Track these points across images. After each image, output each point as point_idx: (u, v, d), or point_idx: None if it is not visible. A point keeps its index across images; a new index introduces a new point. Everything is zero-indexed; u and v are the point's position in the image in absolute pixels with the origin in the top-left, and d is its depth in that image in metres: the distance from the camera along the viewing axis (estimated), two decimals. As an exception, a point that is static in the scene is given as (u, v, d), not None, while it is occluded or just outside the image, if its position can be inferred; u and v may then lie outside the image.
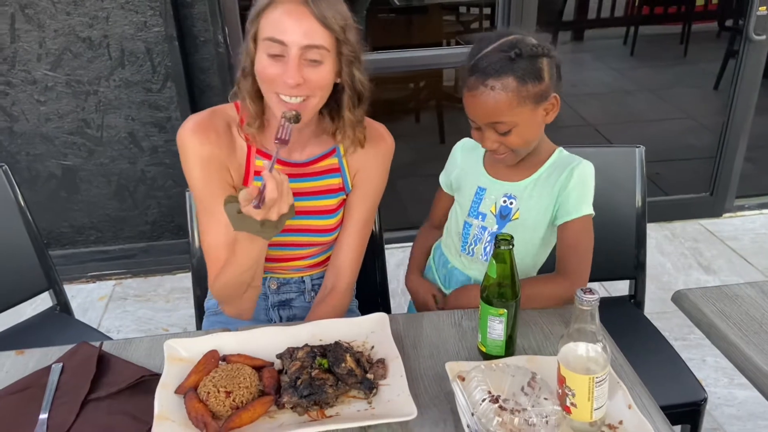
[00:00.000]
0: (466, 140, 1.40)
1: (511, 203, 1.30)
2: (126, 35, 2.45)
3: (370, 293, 1.59)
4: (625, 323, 1.66)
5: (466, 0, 4.48)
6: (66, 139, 2.58)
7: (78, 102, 2.52)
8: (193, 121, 1.24)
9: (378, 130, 1.33)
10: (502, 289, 1.04)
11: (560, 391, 0.91)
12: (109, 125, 2.58)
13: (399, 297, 1.55)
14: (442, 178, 1.45)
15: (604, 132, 4.07)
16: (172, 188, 2.72)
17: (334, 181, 1.32)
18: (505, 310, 1.04)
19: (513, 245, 1.02)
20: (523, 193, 1.29)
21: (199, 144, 1.22)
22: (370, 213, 1.37)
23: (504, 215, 1.31)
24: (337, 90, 1.23)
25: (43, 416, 0.98)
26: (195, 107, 2.58)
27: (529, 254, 1.32)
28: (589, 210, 1.25)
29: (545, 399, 0.89)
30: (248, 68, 1.18)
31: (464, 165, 1.38)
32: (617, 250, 1.70)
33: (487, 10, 4.38)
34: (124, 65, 2.49)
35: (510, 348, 1.07)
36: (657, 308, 2.35)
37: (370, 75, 1.24)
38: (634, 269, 1.72)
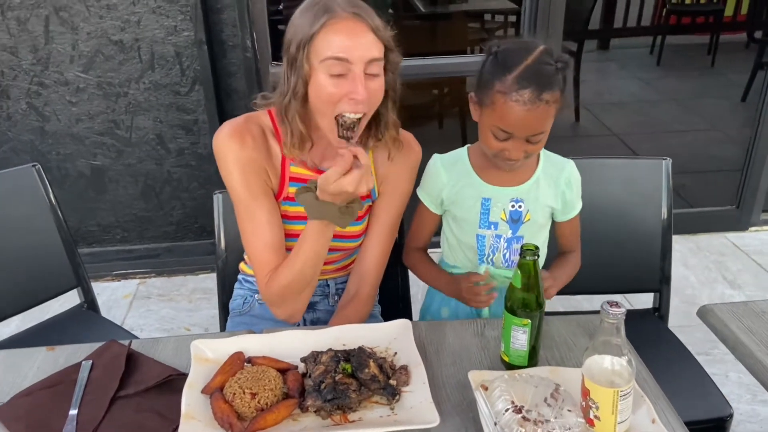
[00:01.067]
0: (441, 156, 1.36)
1: (520, 206, 1.31)
2: (156, 39, 2.49)
3: (392, 299, 1.60)
4: (649, 336, 1.65)
5: (491, 8, 4.49)
6: (96, 139, 2.63)
7: (108, 103, 2.57)
8: (228, 126, 1.25)
9: (406, 138, 1.34)
10: (527, 299, 1.04)
11: (584, 403, 0.91)
12: (138, 127, 2.63)
13: (419, 303, 1.55)
14: (427, 199, 1.38)
15: (629, 142, 4.04)
16: (196, 190, 2.76)
17: None
18: (529, 321, 1.04)
19: (538, 255, 1.02)
20: (528, 194, 1.31)
21: (237, 148, 1.23)
22: (396, 220, 1.37)
23: (515, 219, 1.32)
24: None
25: (73, 412, 1.00)
26: (221, 110, 2.62)
27: (542, 251, 1.34)
28: (581, 203, 1.38)
29: (568, 411, 0.89)
30: (301, 91, 1.17)
31: (454, 181, 1.33)
32: (642, 262, 1.69)
33: (512, 18, 4.38)
34: (154, 68, 2.53)
35: (533, 359, 1.07)
36: (679, 322, 2.31)
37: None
38: (659, 282, 1.71)
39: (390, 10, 3.96)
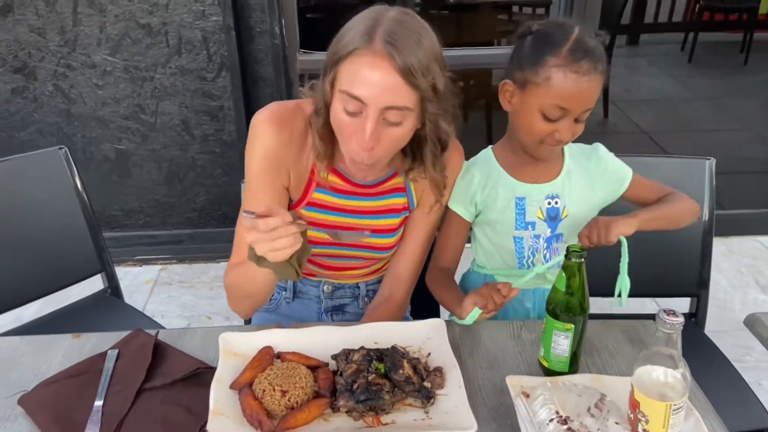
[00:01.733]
0: (471, 161, 1.29)
1: (556, 202, 1.26)
2: (184, 23, 2.46)
3: (421, 297, 1.56)
4: (686, 343, 1.58)
5: (520, 0, 4.40)
6: (121, 123, 2.61)
7: (134, 87, 2.55)
8: (273, 111, 1.16)
9: (451, 147, 1.20)
10: (571, 303, 0.99)
11: (632, 415, 0.87)
12: (163, 112, 2.60)
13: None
14: (462, 207, 1.28)
15: (659, 140, 3.95)
16: (220, 177, 2.74)
17: (399, 201, 1.26)
18: (573, 326, 0.99)
19: (585, 257, 0.97)
20: (563, 188, 1.26)
21: (269, 137, 1.15)
22: (433, 228, 1.30)
23: (553, 217, 1.27)
24: (417, 132, 1.12)
25: (99, 403, 0.98)
26: (247, 97, 2.59)
27: None
28: (629, 169, 1.32)
29: (616, 423, 0.85)
30: (322, 110, 1.10)
31: (487, 184, 1.27)
32: (680, 265, 1.63)
33: (540, 10, 4.30)
34: (181, 53, 2.51)
35: (574, 365, 1.03)
36: (712, 327, 2.24)
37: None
38: (697, 286, 1.65)
39: (417, 0, 3.91)
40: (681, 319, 0.81)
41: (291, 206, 1.23)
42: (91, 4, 2.41)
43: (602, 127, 4.04)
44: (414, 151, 1.17)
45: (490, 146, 1.32)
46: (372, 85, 1.00)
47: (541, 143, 1.17)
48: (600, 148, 1.33)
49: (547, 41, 1.13)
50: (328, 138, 1.13)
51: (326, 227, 1.21)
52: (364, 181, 1.22)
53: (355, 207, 1.24)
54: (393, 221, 1.26)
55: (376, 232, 1.25)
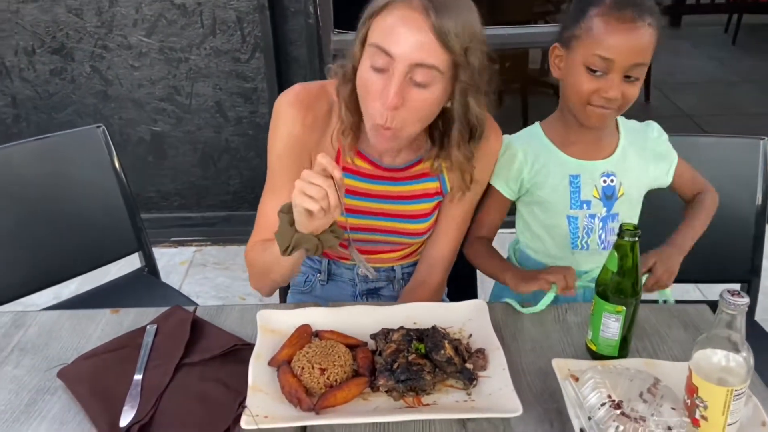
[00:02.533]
0: (512, 137, 1.25)
1: (612, 180, 1.21)
2: (219, 3, 2.45)
3: (458, 279, 1.52)
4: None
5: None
6: (157, 105, 2.62)
7: (170, 69, 2.56)
8: (296, 93, 1.14)
9: (486, 125, 1.14)
10: (623, 284, 0.94)
11: (689, 401, 0.82)
12: (198, 93, 2.60)
13: (488, 284, 1.46)
14: (504, 185, 1.25)
15: (702, 124, 3.82)
16: (254, 159, 2.74)
17: (431, 185, 1.22)
18: (624, 308, 0.95)
19: (639, 236, 0.93)
20: (619, 166, 1.21)
21: (292, 120, 1.13)
22: (469, 212, 1.26)
23: (609, 195, 1.22)
24: (447, 112, 1.08)
25: (138, 377, 0.97)
26: (281, 79, 2.57)
27: None
28: (675, 153, 1.29)
29: (672, 409, 0.80)
30: (350, 74, 1.06)
31: (536, 161, 1.22)
32: (731, 250, 1.57)
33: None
34: (216, 34, 2.50)
35: (624, 349, 0.98)
36: (760, 315, 2.18)
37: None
38: (748, 273, 1.58)
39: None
40: (746, 300, 0.76)
41: None
42: (128, -15, 2.42)
43: (643, 111, 3.93)
44: (442, 136, 1.12)
45: (537, 122, 1.27)
46: (403, 39, 0.96)
47: (589, 105, 1.11)
48: (654, 126, 1.28)
49: None
50: (354, 108, 1.09)
51: (356, 212, 1.19)
52: (391, 164, 1.19)
53: (385, 192, 1.20)
54: (425, 206, 1.22)
55: (408, 217, 1.22)
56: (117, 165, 1.67)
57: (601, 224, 1.22)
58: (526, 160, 1.22)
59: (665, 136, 1.28)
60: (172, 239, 2.84)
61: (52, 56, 2.53)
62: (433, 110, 1.05)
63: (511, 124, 1.30)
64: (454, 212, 1.25)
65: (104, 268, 1.69)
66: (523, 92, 3.78)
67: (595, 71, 1.08)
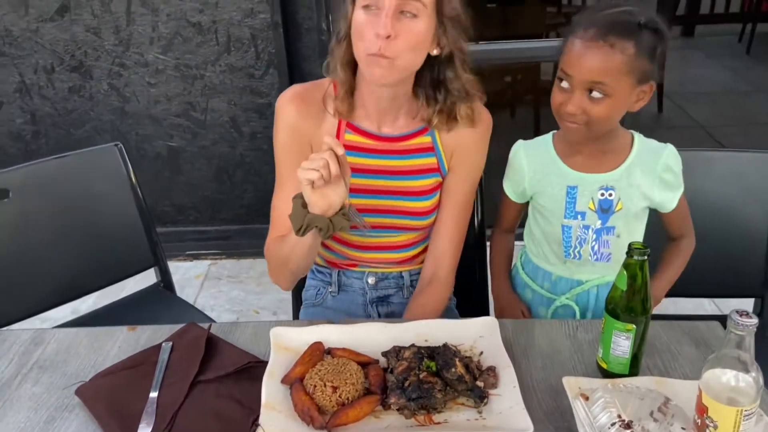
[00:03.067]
0: (523, 143, 1.32)
1: (611, 194, 1.23)
2: (233, 21, 2.49)
3: (469, 289, 1.53)
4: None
5: (571, -9, 4.31)
6: (173, 120, 2.66)
7: (185, 85, 2.60)
8: (293, 90, 1.25)
9: (473, 108, 1.25)
10: (632, 302, 0.95)
11: (699, 421, 0.82)
12: (213, 109, 2.64)
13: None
14: (509, 188, 1.35)
15: (716, 135, 3.80)
16: (268, 174, 2.75)
17: (429, 161, 1.27)
18: (634, 326, 0.95)
19: (648, 255, 0.93)
20: (620, 182, 1.23)
21: (288, 113, 1.23)
22: (469, 196, 1.31)
23: (605, 209, 1.23)
24: (437, 63, 1.18)
25: (154, 395, 0.99)
26: (295, 94, 2.60)
27: None
28: (682, 187, 1.29)
29: (682, 429, 0.81)
30: (343, 33, 1.16)
31: (536, 168, 1.28)
32: (743, 265, 1.56)
33: (591, 2, 4.18)
34: (230, 51, 2.54)
35: (635, 367, 0.99)
36: (775, 330, 2.15)
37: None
38: (762, 286, 1.57)
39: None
40: (755, 320, 0.76)
41: None
42: (144, 4, 2.46)
43: (656, 122, 3.92)
44: (437, 94, 1.21)
45: (553, 131, 1.30)
46: None
47: (561, 119, 1.18)
48: (670, 151, 1.26)
49: (586, 12, 1.16)
50: (348, 63, 1.18)
51: (358, 192, 1.24)
52: (390, 134, 1.25)
53: (385, 167, 1.26)
54: (425, 182, 1.27)
55: (410, 194, 1.27)
56: (134, 182, 1.70)
57: (594, 235, 1.24)
58: (528, 168, 1.28)
59: (679, 165, 1.26)
60: (188, 253, 2.87)
61: (71, 74, 2.59)
62: (421, 43, 1.13)
63: (523, 135, 1.36)
64: (452, 200, 1.30)
65: (121, 284, 1.72)
66: (536, 104, 3.80)
67: (562, 85, 1.14)
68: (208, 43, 2.53)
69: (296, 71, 2.58)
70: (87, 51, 2.55)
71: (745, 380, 0.79)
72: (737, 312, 0.77)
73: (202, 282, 2.70)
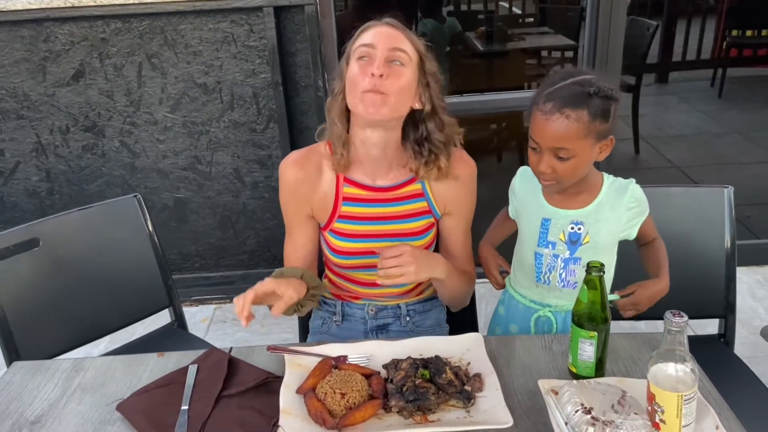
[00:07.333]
0: (524, 169, 1.47)
1: (579, 228, 1.38)
2: (236, 81, 2.71)
3: (460, 313, 1.66)
4: (716, 361, 1.66)
5: (549, 45, 4.59)
6: (180, 174, 2.85)
7: (192, 141, 2.80)
8: (293, 156, 1.45)
9: (458, 155, 1.44)
10: (593, 313, 1.12)
11: (649, 408, 0.98)
12: (217, 162, 2.84)
13: (485, 317, 1.64)
14: (511, 206, 1.52)
15: (692, 174, 4.01)
16: (269, 220, 2.94)
17: (420, 205, 1.45)
18: (596, 333, 1.12)
19: (604, 272, 1.11)
20: (588, 218, 1.38)
21: (292, 176, 1.43)
22: (466, 233, 1.52)
23: (574, 241, 1.39)
24: (420, 118, 1.37)
25: (185, 408, 1.14)
26: (294, 146, 2.80)
27: (608, 274, 1.40)
28: (647, 208, 1.42)
29: (635, 414, 0.96)
30: (338, 89, 1.35)
31: (523, 195, 1.46)
32: (705, 290, 1.71)
33: (569, 54, 4.47)
34: (234, 108, 2.75)
35: (600, 370, 1.15)
36: (748, 352, 2.28)
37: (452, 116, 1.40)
38: (724, 309, 1.73)
39: (448, 48, 4.13)
40: (685, 319, 0.93)
41: (326, 222, 1.46)
42: (154, 68, 2.68)
43: (633, 163, 4.14)
44: (422, 149, 1.39)
45: None
46: (378, 33, 1.31)
47: (536, 175, 1.35)
48: (634, 184, 1.40)
49: (541, 86, 1.32)
50: (342, 117, 1.36)
51: (358, 237, 1.43)
52: (384, 184, 1.43)
53: (380, 213, 1.44)
54: (418, 224, 1.45)
55: (403, 236, 1.44)
56: (150, 230, 1.86)
57: (563, 264, 1.39)
58: (518, 193, 1.47)
59: (640, 191, 1.40)
60: (193, 298, 3.01)
61: (85, 134, 2.78)
62: (410, 88, 1.32)
63: (509, 177, 1.54)
64: (453, 241, 1.50)
65: (132, 327, 1.85)
66: (520, 149, 4.01)
67: (533, 148, 1.32)
68: (213, 102, 2.74)
69: (295, 125, 2.79)
70: (100, 112, 2.74)
71: (683, 370, 0.95)
72: (671, 312, 0.94)
73: (208, 325, 2.84)
